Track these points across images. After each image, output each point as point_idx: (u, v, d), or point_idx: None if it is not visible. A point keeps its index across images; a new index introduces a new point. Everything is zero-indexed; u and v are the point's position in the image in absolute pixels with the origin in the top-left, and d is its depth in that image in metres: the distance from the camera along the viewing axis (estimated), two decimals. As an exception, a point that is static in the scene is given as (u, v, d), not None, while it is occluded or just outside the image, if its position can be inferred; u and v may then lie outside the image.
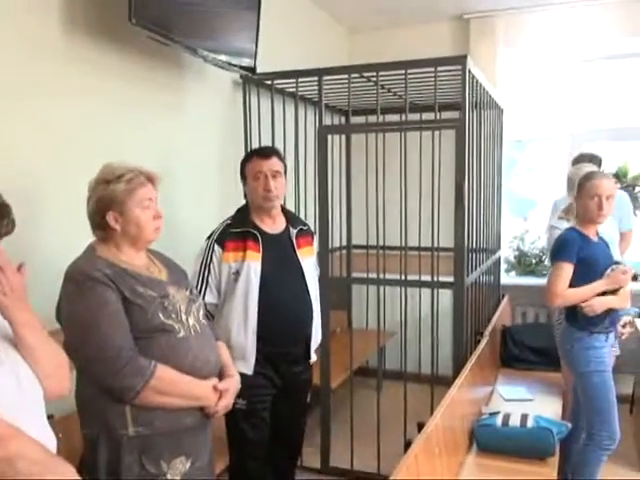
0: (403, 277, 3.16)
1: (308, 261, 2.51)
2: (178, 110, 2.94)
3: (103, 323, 1.62)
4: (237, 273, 2.35)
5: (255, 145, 3.37)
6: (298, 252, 2.46)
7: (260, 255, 2.36)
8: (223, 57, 2.90)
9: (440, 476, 2.07)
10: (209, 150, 3.20)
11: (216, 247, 2.38)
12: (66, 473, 1.32)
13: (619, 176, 4.23)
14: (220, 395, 1.82)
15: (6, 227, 1.30)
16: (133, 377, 1.62)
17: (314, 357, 2.57)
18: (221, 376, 1.89)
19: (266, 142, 3.35)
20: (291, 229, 2.49)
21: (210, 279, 2.39)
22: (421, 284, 3.22)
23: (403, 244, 3.14)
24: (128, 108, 2.59)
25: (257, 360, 2.37)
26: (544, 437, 2.45)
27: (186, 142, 2.99)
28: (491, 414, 2.66)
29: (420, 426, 2.16)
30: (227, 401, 1.84)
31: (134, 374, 1.63)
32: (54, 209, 2.23)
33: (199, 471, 1.80)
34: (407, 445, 2.19)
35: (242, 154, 3.36)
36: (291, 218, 2.55)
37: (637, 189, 4.34)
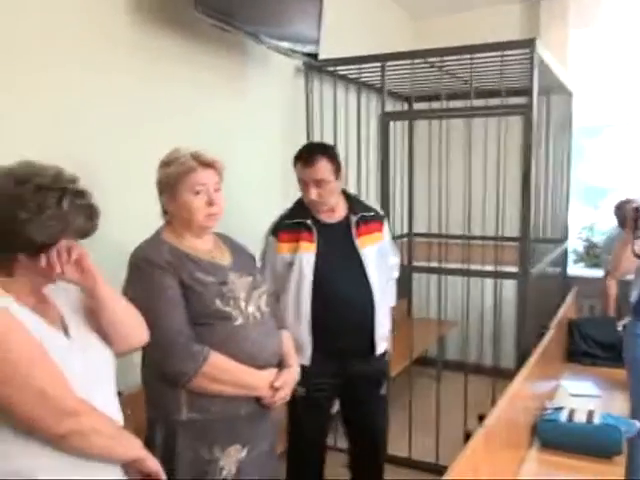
0: (465, 267, 3.10)
1: (370, 249, 2.40)
2: (241, 96, 2.97)
3: (160, 308, 1.65)
4: (291, 264, 2.35)
5: (317, 133, 3.38)
6: (357, 240, 2.38)
7: (314, 246, 2.33)
8: (286, 44, 2.90)
9: (500, 470, 2.03)
10: (271, 137, 3.23)
11: (270, 238, 2.42)
12: (135, 447, 1.38)
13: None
14: (277, 387, 1.80)
15: (94, 228, 1.35)
16: (186, 362, 1.64)
17: (381, 348, 2.46)
18: (282, 365, 1.88)
19: (328, 129, 3.35)
20: (352, 216, 2.41)
21: (266, 270, 2.41)
22: (484, 274, 3.15)
23: (466, 233, 3.08)
24: (192, 95, 2.63)
25: (315, 353, 2.35)
26: (611, 435, 2.35)
27: (248, 129, 3.02)
28: (556, 409, 2.59)
29: (481, 418, 2.13)
30: (284, 393, 1.83)
31: (187, 359, 1.64)
32: (121, 196, 2.30)
33: (257, 460, 1.80)
34: (467, 436, 2.16)
35: (304, 141, 3.40)
36: (354, 204, 2.46)
37: None
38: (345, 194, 2.48)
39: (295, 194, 2.57)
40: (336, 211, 2.42)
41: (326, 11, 3.13)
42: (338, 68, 3.34)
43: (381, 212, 2.58)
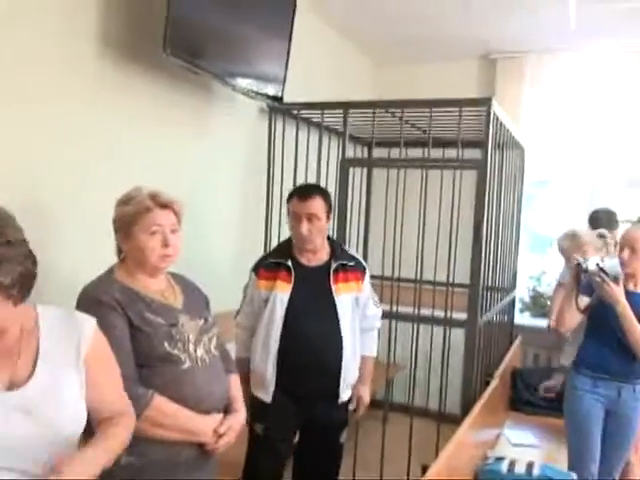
0: (416, 312, 3.16)
1: (346, 296, 2.43)
2: (205, 135, 3.00)
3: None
4: (266, 301, 2.39)
5: (278, 173, 3.43)
6: (334, 287, 2.40)
7: (290, 286, 2.37)
8: (252, 86, 2.96)
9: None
10: (233, 177, 3.26)
11: (252, 274, 2.48)
12: None
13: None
14: (220, 433, 1.78)
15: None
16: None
17: (346, 396, 2.49)
18: (228, 410, 1.87)
19: (289, 170, 3.40)
20: (332, 262, 2.44)
21: (244, 303, 2.51)
22: (434, 321, 3.22)
23: (419, 278, 3.14)
24: (155, 130, 2.65)
25: (278, 390, 2.37)
26: (549, 487, 2.42)
27: (211, 167, 3.05)
28: (497, 459, 2.64)
29: (424, 468, 2.15)
30: (228, 439, 1.80)
31: (130, 402, 1.59)
32: (75, 227, 2.27)
33: None
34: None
35: (264, 181, 3.45)
36: (337, 251, 2.49)
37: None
38: (330, 240, 2.54)
39: (251, 234, 2.61)
40: (318, 255, 2.46)
41: (291, 56, 3.21)
42: (302, 112, 3.41)
43: (364, 263, 2.61)
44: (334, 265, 2.43)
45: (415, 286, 3.18)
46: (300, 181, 3.40)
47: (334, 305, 2.40)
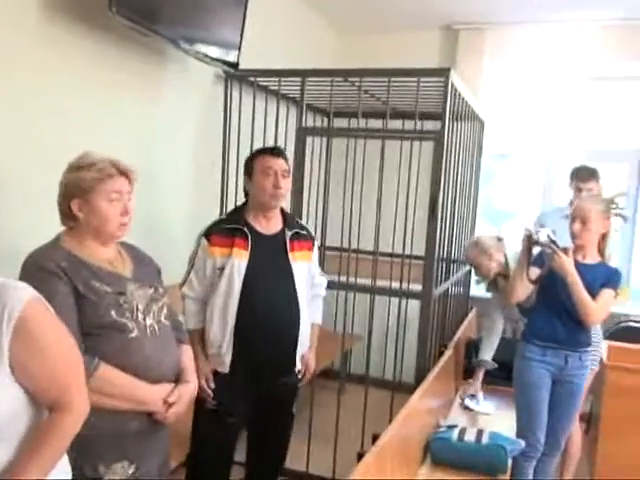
0: (373, 284, 3.16)
1: (301, 265, 2.45)
2: (157, 100, 2.91)
3: None
4: (221, 269, 2.33)
5: (234, 142, 3.35)
6: (290, 255, 2.41)
7: (247, 253, 2.33)
8: (206, 51, 2.87)
9: (390, 488, 2.08)
10: (186, 143, 3.18)
11: (203, 240, 2.38)
12: None
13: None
14: (170, 402, 1.77)
15: None
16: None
17: (299, 364, 2.50)
18: (179, 380, 1.85)
19: (245, 139, 3.33)
20: (286, 231, 2.44)
21: (192, 272, 2.40)
22: (389, 292, 3.23)
23: (376, 249, 3.14)
24: (104, 94, 2.56)
25: (234, 362, 2.34)
26: (496, 454, 2.47)
27: (163, 133, 2.97)
28: (448, 427, 2.68)
29: (375, 438, 2.17)
30: (178, 408, 1.79)
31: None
32: (22, 193, 2.19)
33: (146, 476, 1.76)
34: (359, 457, 2.20)
35: (219, 149, 3.37)
36: (288, 220, 2.50)
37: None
38: (281, 210, 2.52)
39: (206, 200, 2.55)
40: (271, 222, 2.44)
41: (249, 20, 3.12)
42: (258, 79, 3.33)
43: (312, 232, 2.62)
44: (289, 233, 2.43)
45: (372, 258, 3.18)
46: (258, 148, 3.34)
47: (291, 273, 2.39)
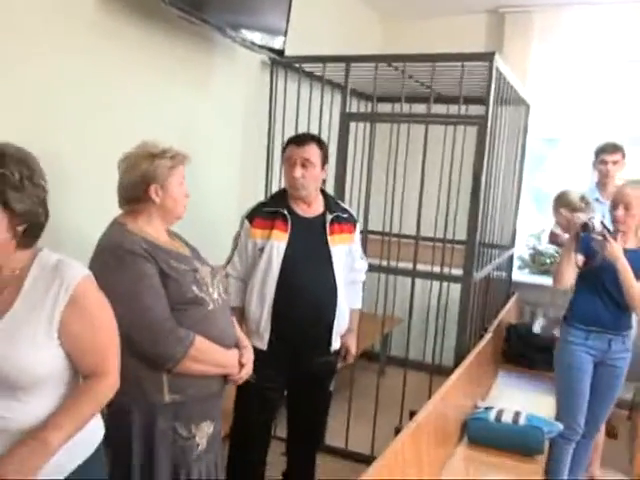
0: (414, 267, 3.21)
1: (340, 248, 2.49)
2: (205, 88, 3.00)
3: (145, 295, 1.72)
4: (261, 250, 2.42)
5: (279, 128, 3.43)
6: (329, 238, 2.45)
7: (287, 235, 2.40)
8: (252, 38, 2.94)
9: (426, 464, 2.15)
10: (233, 129, 3.27)
11: (245, 222, 2.48)
12: None
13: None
14: (242, 364, 1.94)
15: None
16: (175, 346, 1.73)
17: (337, 344, 2.55)
18: (238, 346, 1.99)
19: (290, 125, 3.41)
20: (327, 214, 2.48)
21: (236, 252, 2.52)
22: (430, 276, 3.27)
23: (418, 234, 3.18)
24: (155, 83, 2.66)
25: (273, 340, 2.42)
26: (533, 435, 2.51)
27: (210, 120, 3.06)
28: (486, 408, 2.72)
29: (412, 414, 2.24)
30: (248, 369, 1.98)
31: (176, 344, 1.73)
32: (82, 183, 2.32)
33: (218, 434, 1.96)
34: (397, 431, 2.27)
35: (265, 136, 3.46)
36: (330, 203, 2.53)
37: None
38: (324, 193, 2.57)
39: (252, 185, 2.62)
40: (312, 206, 2.49)
41: (294, 7, 3.18)
42: (304, 65, 3.40)
43: (355, 216, 2.65)
44: (330, 217, 2.47)
45: (414, 242, 3.23)
46: (300, 134, 3.41)
47: (329, 256, 2.45)
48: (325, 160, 2.48)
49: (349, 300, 2.58)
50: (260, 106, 3.43)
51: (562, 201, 3.46)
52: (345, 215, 2.55)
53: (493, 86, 2.91)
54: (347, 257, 2.55)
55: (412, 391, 3.24)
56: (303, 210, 2.48)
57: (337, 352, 2.61)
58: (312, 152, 2.41)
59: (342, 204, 2.65)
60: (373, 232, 4.62)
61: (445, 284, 3.56)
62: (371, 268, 3.71)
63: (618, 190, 2.74)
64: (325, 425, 2.74)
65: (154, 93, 2.65)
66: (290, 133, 3.34)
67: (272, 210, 2.45)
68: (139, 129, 2.49)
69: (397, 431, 2.31)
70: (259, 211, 2.48)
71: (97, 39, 2.33)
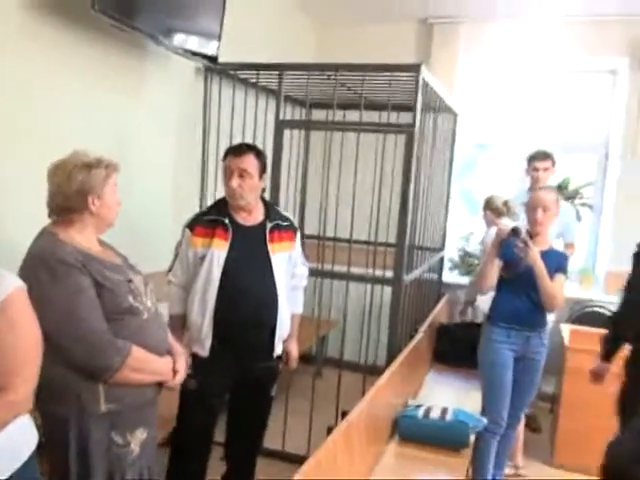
0: (347, 270, 3.30)
1: (281, 255, 2.55)
2: (138, 95, 2.99)
3: (81, 308, 1.72)
4: (202, 258, 2.45)
5: (213, 134, 3.45)
6: (269, 246, 2.50)
7: (227, 244, 2.44)
8: (185, 45, 2.96)
9: (359, 461, 2.23)
10: (167, 136, 3.27)
11: (186, 231, 2.51)
12: None
13: (561, 187, 4.44)
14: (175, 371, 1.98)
15: None
16: (113, 356, 1.75)
17: (278, 350, 2.61)
18: (170, 353, 2.02)
19: (225, 131, 3.44)
20: (267, 222, 2.53)
21: (177, 261, 2.55)
22: (364, 279, 3.37)
23: (350, 237, 3.28)
24: (86, 90, 2.64)
25: (215, 346, 2.46)
26: (460, 430, 2.64)
27: (144, 127, 3.05)
28: (416, 406, 2.84)
29: (344, 414, 2.31)
30: (181, 376, 2.01)
31: (114, 354, 1.75)
32: (9, 189, 2.28)
33: (152, 441, 1.98)
34: (329, 431, 2.33)
35: (200, 143, 3.47)
36: (271, 211, 2.58)
37: (577, 201, 4.56)
38: (264, 201, 2.62)
39: (186, 193, 2.63)
40: (253, 214, 2.54)
41: (228, 14, 3.21)
42: (238, 72, 3.43)
43: (295, 223, 2.71)
44: (270, 225, 2.52)
45: (348, 246, 3.32)
46: (236, 142, 3.43)
47: (270, 263, 2.49)
48: (263, 170, 2.52)
49: (291, 305, 2.65)
50: (195, 113, 3.44)
51: (488, 205, 3.66)
52: (285, 223, 2.60)
53: (420, 96, 3.03)
54: (288, 264, 2.61)
55: (348, 391, 3.32)
56: (244, 218, 2.52)
57: (279, 357, 2.67)
58: (249, 162, 2.46)
59: (283, 212, 2.71)
60: (309, 236, 4.71)
61: (378, 286, 3.68)
62: (308, 272, 3.80)
63: (535, 195, 2.92)
64: (265, 429, 2.78)
65: (84, 99, 2.63)
66: (225, 140, 3.38)
67: (213, 219, 2.48)
68: (68, 134, 2.48)
69: (329, 430, 2.37)
70: (200, 220, 2.51)
71: (26, 44, 2.30)
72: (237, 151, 2.50)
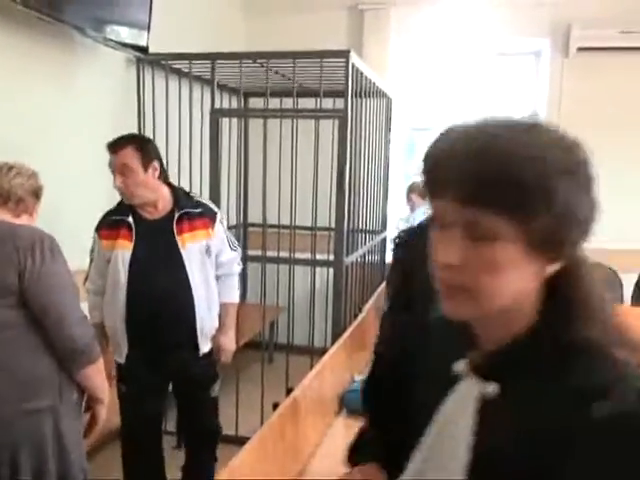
0: (290, 255, 3.36)
1: (193, 246, 2.38)
2: (68, 87, 2.96)
3: (73, 289, 1.80)
4: (109, 261, 2.37)
5: (149, 126, 3.44)
6: (177, 238, 2.36)
7: (132, 244, 2.33)
8: (114, 36, 2.95)
9: (306, 434, 2.30)
10: (99, 129, 3.21)
11: (95, 235, 2.43)
12: None
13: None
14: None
15: None
16: (96, 345, 1.84)
17: (205, 348, 2.50)
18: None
19: (160, 123, 3.44)
20: (175, 213, 2.38)
21: (92, 266, 2.47)
22: (304, 262, 3.45)
23: (292, 223, 3.34)
24: (12, 84, 2.60)
25: (130, 350, 2.40)
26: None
27: (75, 120, 3.01)
28: (362, 381, 2.93)
29: (290, 391, 2.38)
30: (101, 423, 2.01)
31: (96, 342, 1.85)
32: None
33: None
34: (275, 406, 2.39)
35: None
36: (180, 200, 2.41)
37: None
38: (173, 190, 2.46)
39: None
40: (160, 207, 2.40)
41: (158, 5, 3.20)
42: (170, 62, 3.43)
43: (214, 209, 2.52)
44: (177, 215, 2.37)
45: (290, 231, 3.38)
46: (172, 134, 3.44)
47: (180, 257, 2.36)
48: (148, 160, 2.32)
49: (221, 295, 2.53)
50: (128, 104, 3.42)
51: (412, 189, 3.88)
52: (198, 210, 2.43)
53: (350, 81, 3.11)
54: (205, 254, 2.43)
55: (298, 374, 3.38)
56: (150, 213, 2.39)
57: (210, 355, 2.55)
58: (127, 156, 2.29)
59: (197, 198, 2.53)
60: (253, 224, 4.77)
61: (324, 270, 3.76)
62: (252, 259, 3.85)
63: None
64: (216, 429, 2.71)
65: (11, 94, 2.59)
66: (161, 131, 3.38)
67: (117, 219, 2.38)
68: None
69: (275, 405, 2.44)
70: (105, 221, 2.42)
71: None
72: (112, 147, 2.32)
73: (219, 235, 2.51)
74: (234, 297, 2.63)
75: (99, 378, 1.86)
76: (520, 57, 4.86)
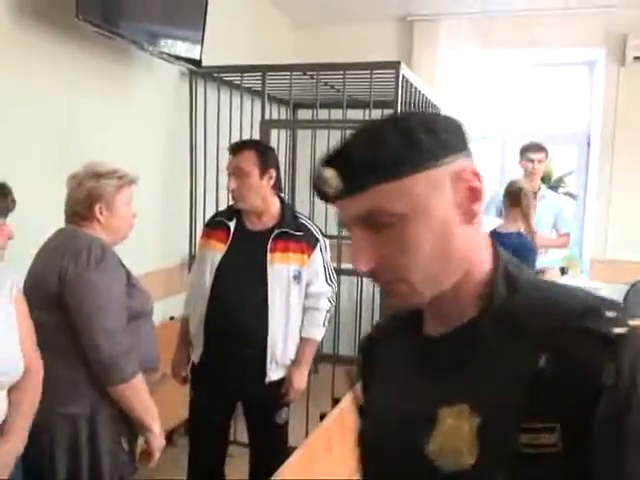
0: (336, 265, 3.34)
1: (282, 267, 2.27)
2: (124, 100, 3.04)
3: (115, 301, 1.76)
4: (201, 260, 2.42)
5: (200, 137, 3.51)
6: (269, 255, 2.26)
7: (224, 248, 2.31)
8: (169, 50, 3.02)
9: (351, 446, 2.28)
10: (155, 141, 3.31)
11: (200, 234, 2.53)
12: None
13: (544, 178, 4.53)
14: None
15: (11, 203, 1.54)
16: (129, 364, 1.74)
17: (274, 375, 2.33)
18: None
19: (212, 134, 3.49)
20: (275, 229, 2.29)
21: (195, 261, 2.55)
22: (349, 273, 3.42)
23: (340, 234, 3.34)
24: (73, 97, 2.68)
25: (205, 354, 2.34)
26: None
27: (131, 133, 3.09)
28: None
29: (337, 401, 2.37)
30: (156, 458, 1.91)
31: (130, 361, 1.74)
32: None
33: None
34: (322, 417, 2.36)
35: (187, 145, 3.53)
36: (286, 218, 2.33)
37: (560, 190, 4.65)
38: (282, 205, 2.39)
39: (180, 199, 2.65)
40: (263, 219, 2.34)
41: (210, 18, 3.27)
42: (221, 74, 3.49)
43: (317, 235, 2.37)
44: (276, 232, 2.29)
45: (337, 242, 3.37)
46: (223, 145, 3.49)
47: (265, 274, 2.27)
48: (266, 167, 2.28)
49: (303, 328, 2.38)
50: (181, 116, 3.50)
51: None
52: (299, 233, 2.31)
53: (400, 92, 3.10)
54: (293, 280, 2.29)
55: (343, 385, 3.37)
56: (252, 223, 2.35)
57: (278, 383, 2.38)
58: (245, 160, 2.26)
59: (303, 220, 2.39)
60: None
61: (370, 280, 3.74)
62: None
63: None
64: (283, 456, 2.52)
65: (72, 108, 2.67)
66: (212, 142, 3.44)
67: (220, 220, 2.40)
68: (57, 144, 2.52)
69: (322, 416, 2.42)
70: (210, 221, 2.49)
71: (11, 53, 2.35)
72: (233, 148, 2.34)
73: (315, 264, 2.35)
74: (314, 334, 2.43)
75: (136, 400, 1.77)
76: (572, 67, 4.76)
